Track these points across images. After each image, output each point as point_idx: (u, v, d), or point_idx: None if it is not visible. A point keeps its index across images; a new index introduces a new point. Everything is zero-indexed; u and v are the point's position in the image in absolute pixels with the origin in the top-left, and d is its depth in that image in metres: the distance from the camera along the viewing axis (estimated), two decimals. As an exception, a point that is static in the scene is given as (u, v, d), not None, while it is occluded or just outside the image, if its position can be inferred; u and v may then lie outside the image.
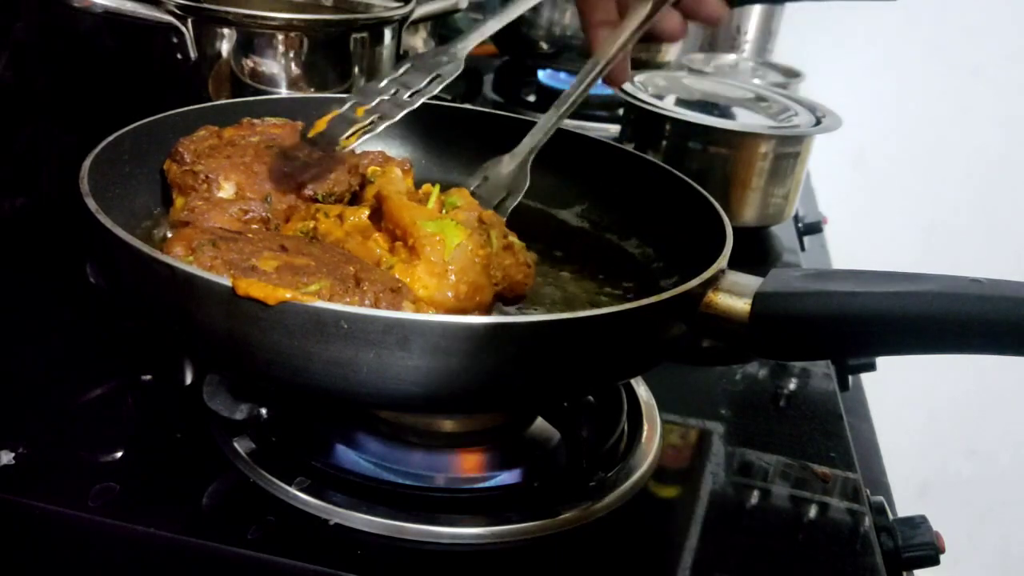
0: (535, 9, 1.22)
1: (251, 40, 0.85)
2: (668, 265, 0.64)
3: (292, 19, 0.87)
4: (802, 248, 1.01)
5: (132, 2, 0.82)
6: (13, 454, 0.49)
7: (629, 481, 0.53)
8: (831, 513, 0.55)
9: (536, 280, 0.60)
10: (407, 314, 0.43)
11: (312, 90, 0.88)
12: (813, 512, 0.55)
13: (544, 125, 0.63)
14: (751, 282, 0.50)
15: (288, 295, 0.41)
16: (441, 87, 0.60)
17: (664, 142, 0.91)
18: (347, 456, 0.53)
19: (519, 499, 0.51)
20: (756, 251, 0.96)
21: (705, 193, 0.62)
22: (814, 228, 1.10)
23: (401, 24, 0.96)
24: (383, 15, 0.96)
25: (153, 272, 0.44)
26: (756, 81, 1.27)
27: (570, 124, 0.68)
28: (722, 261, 0.51)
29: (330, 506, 0.48)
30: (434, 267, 0.52)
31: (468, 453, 0.55)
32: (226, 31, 0.84)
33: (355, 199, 0.65)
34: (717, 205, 0.59)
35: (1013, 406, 1.72)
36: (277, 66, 0.86)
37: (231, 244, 0.51)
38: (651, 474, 0.55)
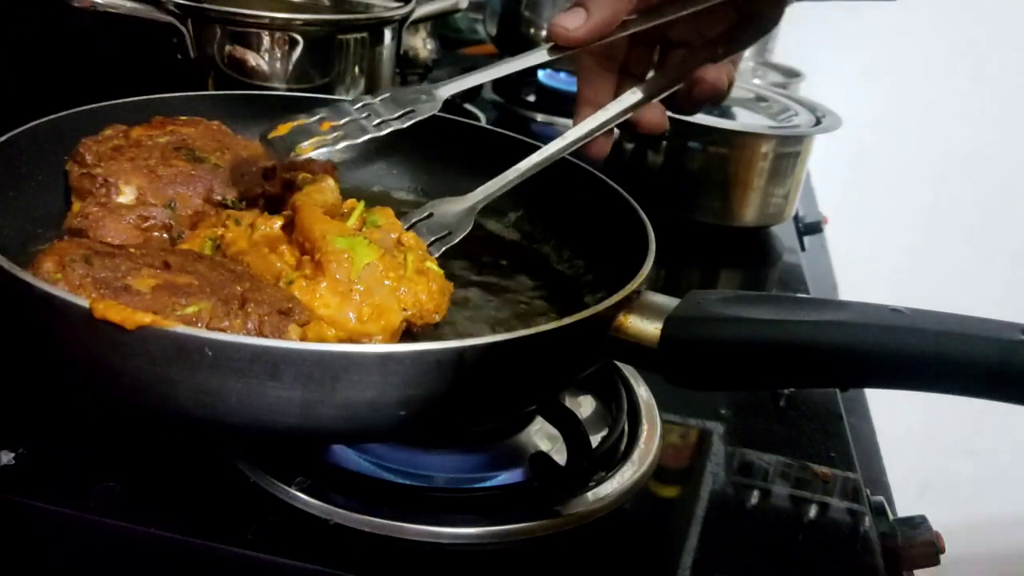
0: (534, 9, 1.23)
1: (251, 40, 0.85)
2: (596, 280, 0.62)
3: (292, 19, 0.87)
4: (802, 248, 1.01)
5: (132, 2, 0.82)
6: (13, 454, 0.49)
7: (629, 481, 0.53)
8: (831, 513, 0.55)
9: (456, 298, 0.58)
10: (276, 342, 0.41)
11: (312, 90, 0.88)
12: (813, 512, 0.55)
13: (501, 181, 0.61)
14: (666, 304, 0.47)
15: (147, 320, 0.39)
16: (411, 123, 0.59)
17: (664, 142, 0.91)
18: (347, 456, 0.53)
19: (519, 499, 0.51)
20: (756, 251, 0.96)
21: (636, 206, 0.60)
22: (814, 228, 1.10)
23: (401, 24, 0.96)
24: (383, 15, 0.96)
25: (12, 289, 0.42)
26: (756, 81, 1.27)
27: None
28: (636, 282, 0.49)
29: (330, 506, 0.48)
30: (338, 285, 0.50)
31: (468, 453, 0.55)
32: (226, 31, 0.85)
33: (277, 205, 0.62)
34: (645, 220, 0.57)
35: (1013, 406, 1.72)
36: (277, 66, 0.86)
37: (107, 260, 0.48)
38: (651, 474, 0.55)
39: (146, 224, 0.58)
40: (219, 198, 0.61)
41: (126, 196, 0.58)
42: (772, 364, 0.42)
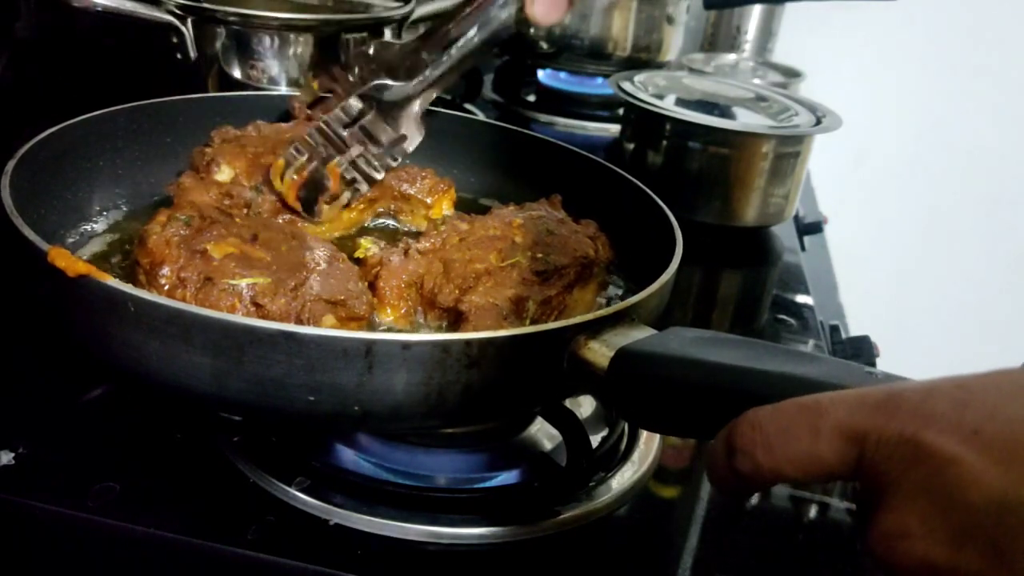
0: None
1: (251, 40, 0.85)
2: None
3: (292, 19, 0.87)
4: (802, 248, 1.01)
5: (132, 2, 0.82)
6: (13, 454, 0.49)
7: (629, 481, 0.53)
8: (831, 513, 0.55)
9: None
10: (190, 307, 0.42)
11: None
12: (813, 512, 0.55)
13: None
14: (635, 336, 0.44)
15: (84, 269, 0.42)
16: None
17: (664, 142, 0.91)
18: (347, 456, 0.53)
19: (519, 499, 0.51)
20: (756, 251, 0.96)
21: (677, 237, 0.58)
22: (814, 228, 1.10)
23: (401, 24, 0.96)
24: (383, 15, 0.96)
25: (10, 227, 0.47)
26: (756, 81, 1.27)
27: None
28: (609, 310, 0.47)
29: (330, 506, 0.48)
30: None
31: (468, 453, 0.55)
32: (225, 31, 0.85)
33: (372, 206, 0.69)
34: (678, 250, 0.56)
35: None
36: (277, 65, 0.86)
37: (204, 224, 0.53)
38: (651, 474, 0.55)
39: (228, 201, 0.63)
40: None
41: (223, 175, 0.65)
42: (710, 411, 0.38)
